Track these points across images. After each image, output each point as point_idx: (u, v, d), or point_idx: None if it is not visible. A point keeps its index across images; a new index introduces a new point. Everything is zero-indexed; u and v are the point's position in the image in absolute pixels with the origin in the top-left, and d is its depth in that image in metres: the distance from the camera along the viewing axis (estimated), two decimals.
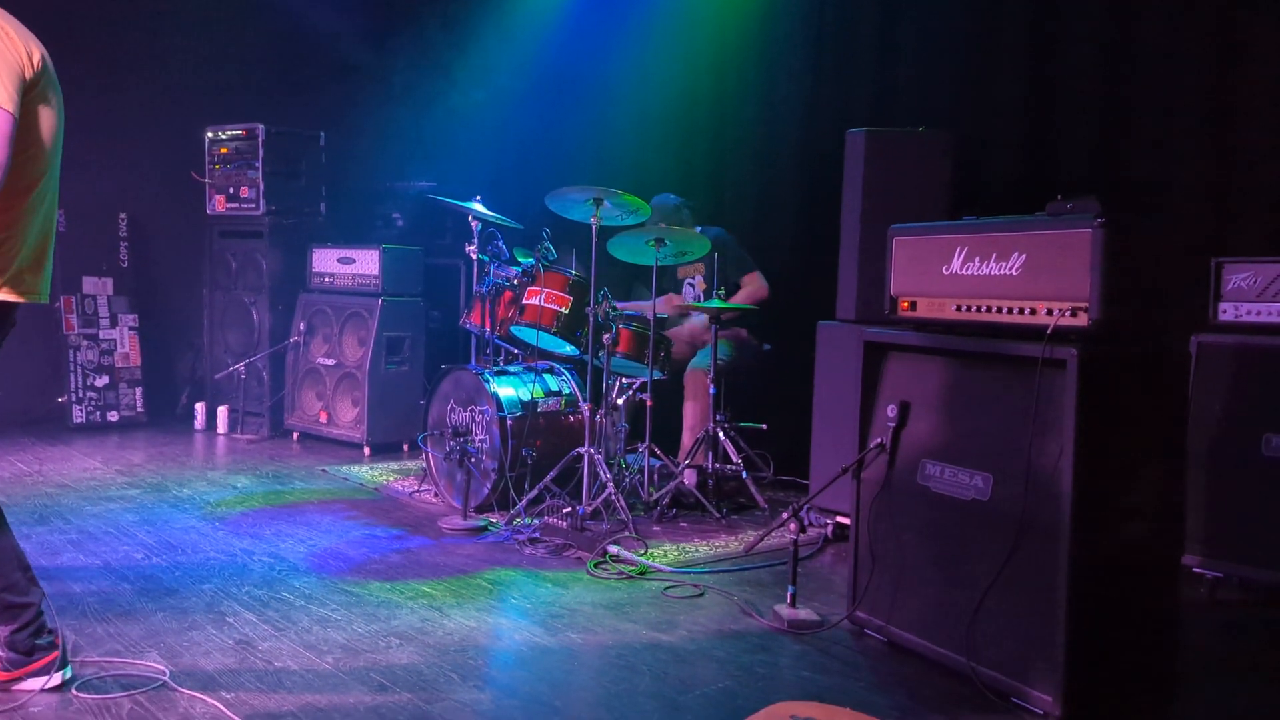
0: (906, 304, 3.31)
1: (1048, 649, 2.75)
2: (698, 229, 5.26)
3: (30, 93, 2.62)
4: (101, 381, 6.84)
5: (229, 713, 2.69)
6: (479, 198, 5.21)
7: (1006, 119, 4.95)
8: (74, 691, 2.77)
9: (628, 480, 4.84)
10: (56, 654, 2.77)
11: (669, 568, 4.06)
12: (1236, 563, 3.73)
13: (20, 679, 2.74)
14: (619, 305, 5.01)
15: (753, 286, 5.45)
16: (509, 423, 4.75)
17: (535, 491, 4.66)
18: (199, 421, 6.93)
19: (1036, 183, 4.69)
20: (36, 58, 2.64)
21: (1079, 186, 3.19)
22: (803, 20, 5.88)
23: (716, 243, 5.09)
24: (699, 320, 5.57)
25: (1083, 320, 2.76)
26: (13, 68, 2.55)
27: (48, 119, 2.70)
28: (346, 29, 7.26)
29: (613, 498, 4.49)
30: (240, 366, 6.72)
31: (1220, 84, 4.25)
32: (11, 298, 2.70)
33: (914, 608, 3.20)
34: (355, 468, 5.85)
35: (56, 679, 2.76)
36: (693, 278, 5.69)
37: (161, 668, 2.93)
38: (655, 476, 5.00)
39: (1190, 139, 4.31)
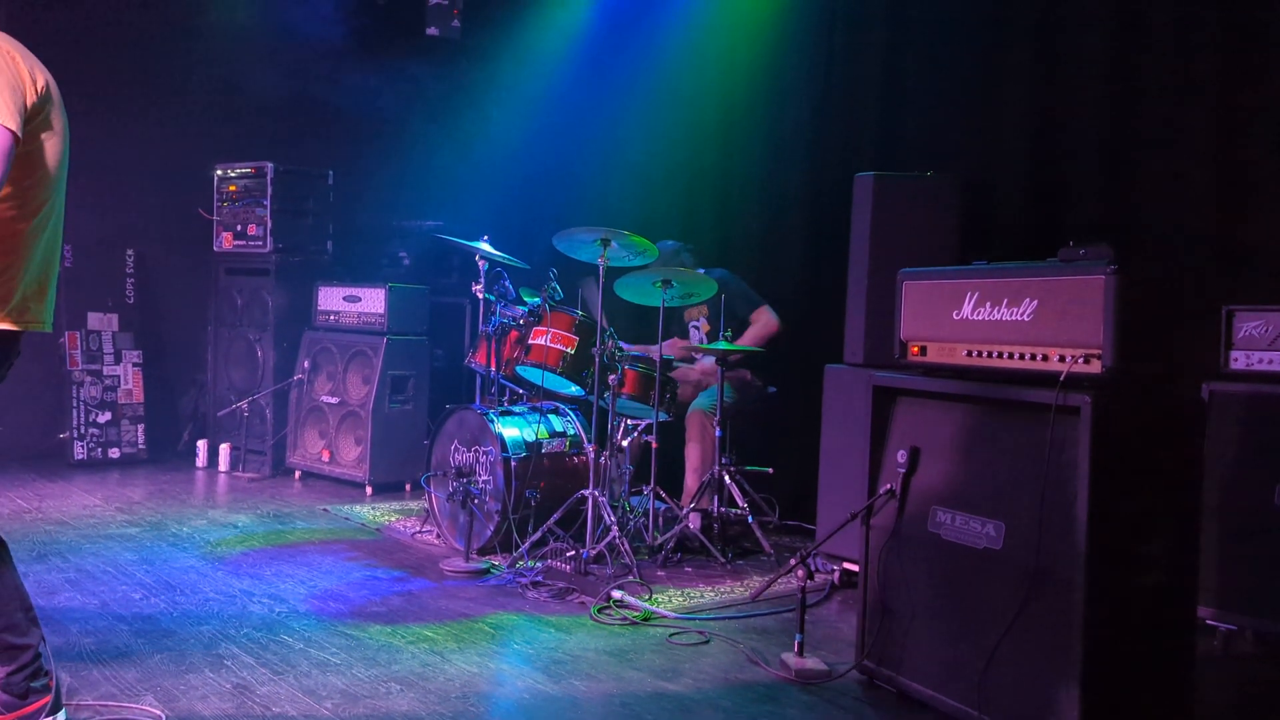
0: (916, 349, 3.29)
1: (1061, 702, 2.69)
2: (700, 271, 5.25)
3: (35, 118, 2.60)
4: (104, 418, 6.81)
5: None
6: (486, 237, 5.21)
7: (1015, 164, 4.95)
8: None
9: (632, 523, 4.79)
10: (49, 698, 2.71)
11: (674, 614, 4.00)
12: (1251, 615, 3.67)
13: None
14: (625, 347, 5.00)
15: (763, 321, 5.39)
16: (513, 464, 4.71)
17: (539, 534, 4.62)
18: (201, 459, 6.89)
19: (1045, 228, 4.68)
20: (41, 82, 2.62)
21: (1088, 232, 3.17)
22: (810, 63, 5.92)
23: (722, 284, 5.09)
24: (708, 361, 5.53)
25: (1096, 367, 2.73)
26: (14, 88, 2.52)
27: (53, 145, 2.67)
28: (356, 69, 7.31)
29: (617, 541, 4.44)
30: (243, 404, 6.69)
31: (1230, 129, 4.25)
32: (16, 326, 2.68)
33: (924, 658, 3.15)
34: (357, 507, 5.80)
35: None
36: (697, 320, 5.67)
37: (158, 712, 2.87)
38: (660, 520, 4.95)
39: (1201, 185, 4.30)
